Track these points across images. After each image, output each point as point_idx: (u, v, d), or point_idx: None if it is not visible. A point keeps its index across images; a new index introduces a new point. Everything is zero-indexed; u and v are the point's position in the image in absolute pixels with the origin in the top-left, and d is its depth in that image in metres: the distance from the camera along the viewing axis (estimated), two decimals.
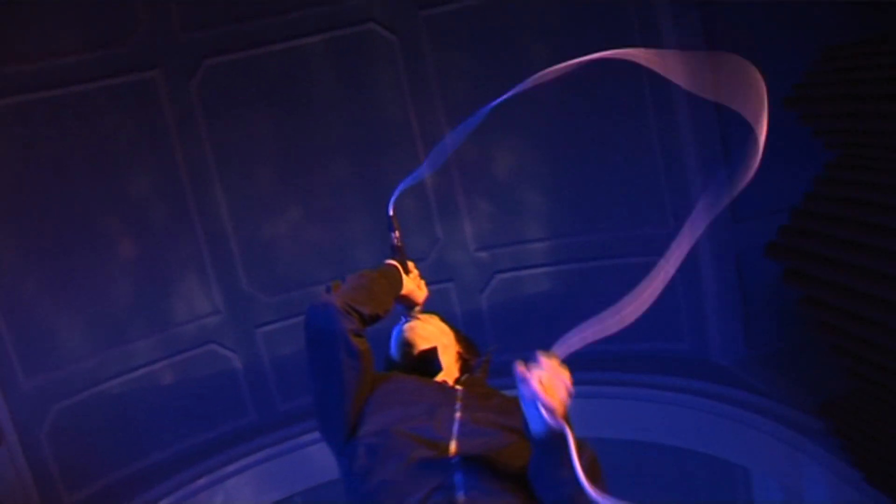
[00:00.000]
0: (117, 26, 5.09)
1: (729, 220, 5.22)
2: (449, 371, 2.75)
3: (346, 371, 2.42)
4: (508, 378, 2.20)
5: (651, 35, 5.14)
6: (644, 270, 5.80)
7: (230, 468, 5.52)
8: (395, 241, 2.91)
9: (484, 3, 5.41)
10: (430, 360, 2.74)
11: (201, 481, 5.42)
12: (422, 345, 2.77)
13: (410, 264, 2.91)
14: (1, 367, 4.92)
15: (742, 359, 5.38)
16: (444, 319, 2.96)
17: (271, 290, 5.70)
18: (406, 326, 2.84)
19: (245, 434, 5.71)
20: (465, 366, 2.82)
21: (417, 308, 2.92)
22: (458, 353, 2.85)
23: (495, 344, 2.93)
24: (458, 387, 2.59)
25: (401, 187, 2.94)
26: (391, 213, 2.92)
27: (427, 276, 5.83)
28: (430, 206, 5.79)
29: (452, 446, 2.25)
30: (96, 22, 5.03)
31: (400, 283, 2.80)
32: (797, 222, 4.53)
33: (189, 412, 5.65)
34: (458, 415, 2.37)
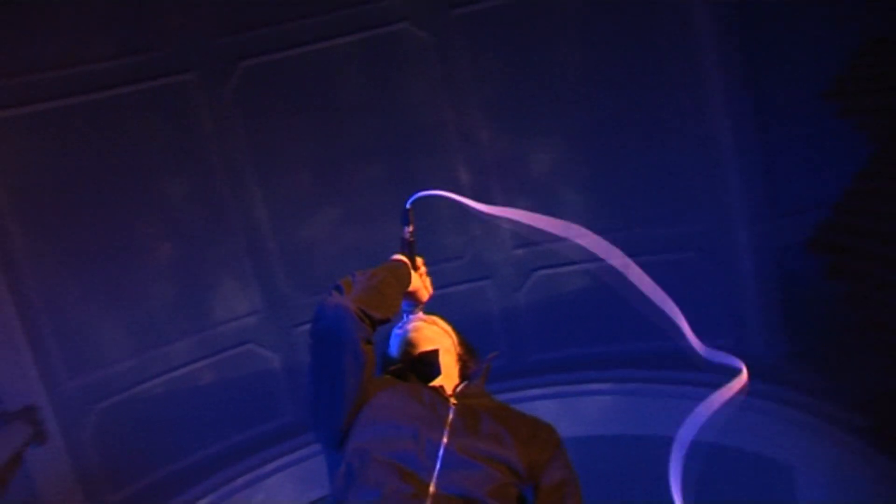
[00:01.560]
0: (152, 30, 5.12)
1: (770, 215, 5.17)
2: (448, 374, 2.70)
3: (349, 378, 2.38)
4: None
5: (687, 31, 5.10)
6: (681, 267, 5.75)
7: (270, 467, 5.55)
8: (408, 235, 2.88)
9: (517, 1, 5.40)
10: (429, 363, 2.69)
11: (241, 480, 5.46)
12: (424, 346, 2.73)
13: (419, 260, 2.87)
14: (46, 369, 4.99)
15: (783, 355, 5.32)
16: (447, 321, 2.91)
17: (309, 290, 5.71)
18: (410, 326, 2.79)
19: (284, 433, 5.73)
20: (465, 369, 2.78)
21: (420, 306, 2.88)
22: (459, 356, 2.80)
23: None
24: (452, 401, 2.49)
25: (425, 193, 2.91)
26: (408, 206, 2.89)
27: (464, 275, 5.85)
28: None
29: (432, 485, 2.17)
30: (131, 27, 5.07)
31: (408, 280, 2.74)
32: (839, 217, 4.48)
33: (228, 411, 5.69)
34: (444, 440, 2.30)
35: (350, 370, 2.38)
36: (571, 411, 5.50)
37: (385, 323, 2.50)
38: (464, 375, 2.74)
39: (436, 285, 2.98)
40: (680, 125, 5.29)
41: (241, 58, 5.36)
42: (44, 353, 4.99)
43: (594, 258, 5.40)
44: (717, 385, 5.34)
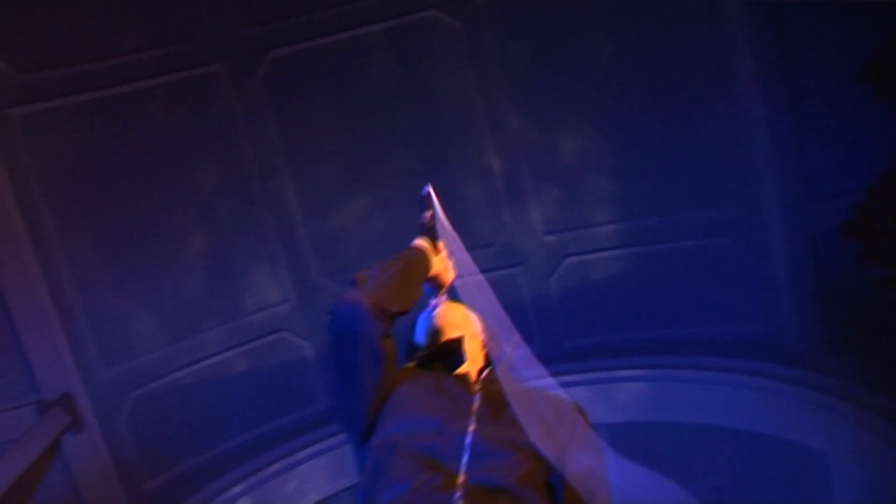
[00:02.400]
0: (180, 22, 5.15)
1: (803, 199, 5.11)
2: (474, 361, 2.71)
3: (368, 376, 2.39)
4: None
5: (718, 15, 5.04)
6: (713, 253, 5.71)
7: (302, 454, 5.58)
8: (426, 220, 2.89)
9: None
10: (453, 350, 2.70)
11: (274, 467, 5.50)
12: (451, 333, 2.75)
13: (440, 244, 2.87)
14: (81, 358, 5.05)
15: (817, 341, 5.27)
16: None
17: (340, 277, 5.73)
18: (436, 312, 2.82)
19: (317, 420, 5.76)
20: (490, 355, 2.79)
21: (444, 289, 2.89)
22: (484, 342, 2.83)
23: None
24: (477, 388, 2.52)
25: (432, 191, 2.92)
26: (426, 191, 2.90)
27: (495, 262, 5.85)
28: (497, 190, 5.76)
29: (461, 475, 2.18)
30: (159, 19, 5.10)
31: (428, 266, 2.75)
32: (874, 202, 4.42)
33: (261, 399, 5.73)
34: (471, 429, 2.31)
35: (368, 368, 2.38)
36: (604, 398, 5.49)
37: (404, 314, 2.51)
38: (488, 361, 2.75)
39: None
40: (711, 110, 5.24)
41: (269, 48, 5.37)
42: (79, 343, 5.05)
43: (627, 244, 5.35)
44: (753, 372, 5.32)
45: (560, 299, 5.92)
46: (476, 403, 2.42)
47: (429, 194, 2.90)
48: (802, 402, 5.04)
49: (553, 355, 5.71)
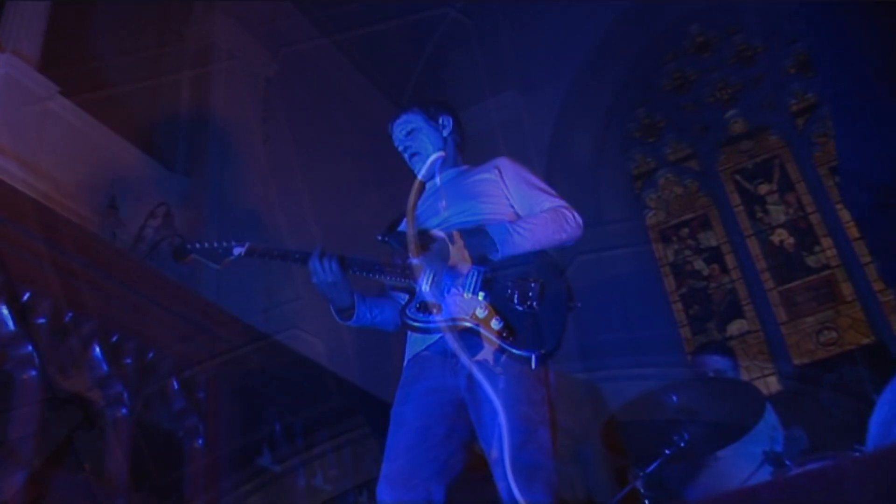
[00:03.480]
0: (195, 19, 5.16)
1: None
2: (490, 347, 2.76)
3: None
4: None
5: (733, 10, 5.02)
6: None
7: (313, 452, 5.59)
8: (442, 210, 2.94)
9: None
10: (470, 338, 2.76)
11: (285, 465, 5.50)
12: (466, 323, 2.79)
13: (455, 234, 2.91)
14: (94, 355, 5.05)
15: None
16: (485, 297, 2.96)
17: None
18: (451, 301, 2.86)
19: (328, 418, 5.76)
20: (504, 342, 2.82)
21: (461, 278, 2.92)
22: (498, 330, 2.84)
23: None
24: (498, 371, 2.59)
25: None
26: (438, 182, 2.96)
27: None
28: None
29: (494, 452, 2.29)
30: (174, 16, 5.11)
31: (447, 257, 2.78)
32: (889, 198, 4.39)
33: (272, 396, 5.73)
34: (499, 410, 2.41)
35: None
36: (617, 396, 5.47)
37: None
38: (502, 348, 2.81)
39: None
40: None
41: (282, 44, 5.38)
42: (92, 340, 5.06)
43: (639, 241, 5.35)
44: (769, 370, 5.27)
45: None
46: (501, 385, 2.50)
47: (442, 185, 2.94)
48: (819, 399, 5.02)
49: (564, 353, 5.70)
